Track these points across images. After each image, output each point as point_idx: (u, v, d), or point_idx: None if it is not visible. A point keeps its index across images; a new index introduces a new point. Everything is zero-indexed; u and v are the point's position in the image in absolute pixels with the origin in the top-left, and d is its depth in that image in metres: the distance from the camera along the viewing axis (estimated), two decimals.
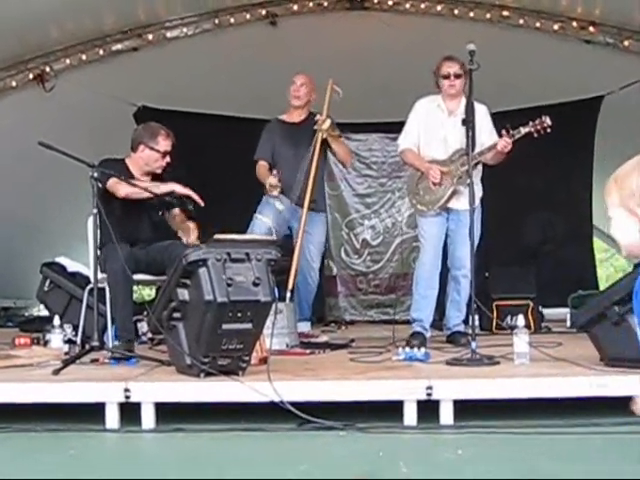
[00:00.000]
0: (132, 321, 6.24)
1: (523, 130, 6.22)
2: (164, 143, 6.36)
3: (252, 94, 8.89)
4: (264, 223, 6.94)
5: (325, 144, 7.11)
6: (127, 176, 6.25)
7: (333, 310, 10.09)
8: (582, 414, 4.50)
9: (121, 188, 6.09)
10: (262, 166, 7.17)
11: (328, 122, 6.96)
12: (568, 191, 9.98)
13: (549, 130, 6.17)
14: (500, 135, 6.34)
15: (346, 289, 10.13)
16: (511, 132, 6.22)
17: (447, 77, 6.53)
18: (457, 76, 6.51)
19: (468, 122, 5.82)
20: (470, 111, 5.82)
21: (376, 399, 4.59)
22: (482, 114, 6.37)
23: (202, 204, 6.19)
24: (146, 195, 6.14)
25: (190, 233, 6.27)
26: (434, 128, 6.62)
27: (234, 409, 4.60)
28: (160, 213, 6.41)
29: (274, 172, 7.01)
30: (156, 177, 6.46)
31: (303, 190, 6.92)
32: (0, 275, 9.53)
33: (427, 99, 6.72)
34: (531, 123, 6.21)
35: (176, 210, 6.41)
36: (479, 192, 6.40)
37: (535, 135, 6.20)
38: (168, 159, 6.39)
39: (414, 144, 6.69)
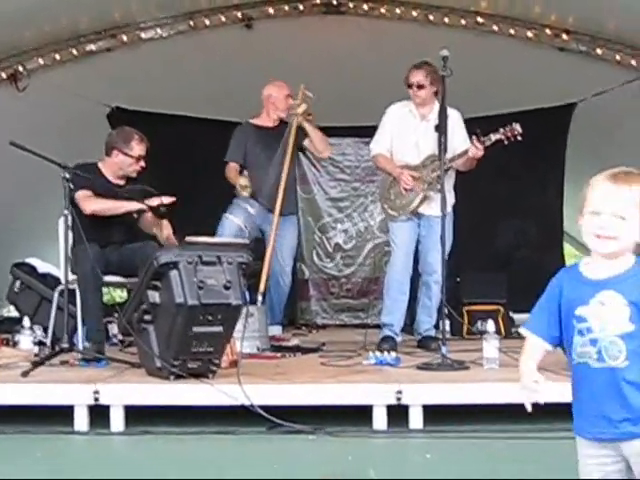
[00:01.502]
0: (102, 322, 6.22)
1: (493, 137, 6.23)
2: (138, 148, 6.36)
3: (226, 96, 8.86)
4: (234, 223, 6.92)
5: (300, 133, 7.09)
6: (100, 181, 6.25)
7: (305, 313, 10.06)
8: (551, 419, 4.52)
9: (88, 205, 6.09)
10: (232, 168, 7.15)
11: (304, 106, 6.93)
12: (539, 197, 10.01)
13: (519, 137, 6.19)
14: (472, 141, 6.37)
15: (318, 293, 10.11)
16: (482, 139, 6.24)
17: (411, 87, 6.57)
18: (420, 86, 6.52)
19: (441, 128, 5.84)
20: (443, 117, 5.84)
21: (346, 403, 4.61)
22: (455, 120, 6.39)
23: (172, 199, 6.20)
24: (113, 213, 6.16)
25: (164, 228, 6.27)
26: (406, 133, 6.64)
27: (204, 412, 4.60)
28: (136, 215, 6.39)
29: (244, 173, 7.01)
30: (130, 179, 6.46)
31: (275, 191, 6.89)
32: None
33: (399, 104, 6.73)
34: (501, 130, 6.23)
35: (148, 213, 6.39)
36: (451, 199, 6.42)
37: (505, 142, 6.23)
38: (143, 163, 6.40)
39: (386, 149, 6.71)
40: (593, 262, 2.70)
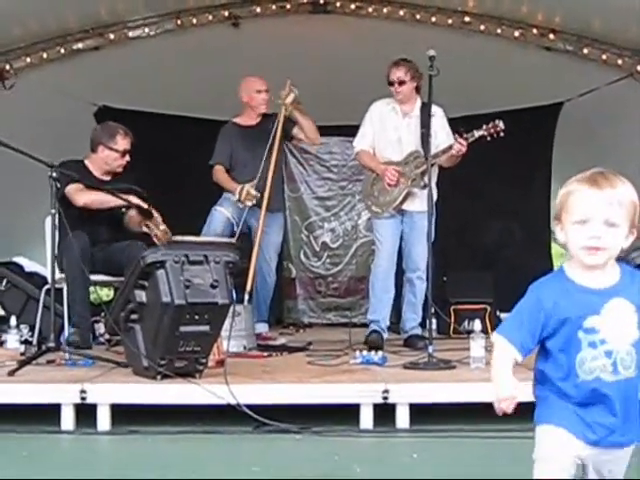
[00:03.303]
0: (89, 310, 6.22)
1: (477, 133, 6.26)
2: (122, 142, 6.38)
3: (213, 95, 8.84)
4: (222, 214, 6.92)
5: (288, 123, 7.07)
6: (87, 177, 6.25)
7: (291, 312, 10.06)
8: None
9: (80, 197, 6.10)
10: (219, 170, 7.12)
11: (292, 95, 6.90)
12: (527, 196, 10.03)
13: (502, 134, 6.22)
14: (455, 138, 6.39)
15: (305, 292, 10.11)
16: (465, 135, 6.27)
17: (392, 84, 6.59)
18: (401, 83, 6.55)
19: (425, 126, 5.86)
20: (427, 116, 5.86)
21: (333, 402, 4.61)
22: (438, 117, 6.41)
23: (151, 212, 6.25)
24: (104, 206, 6.17)
25: (158, 223, 6.28)
26: (388, 130, 6.66)
27: (190, 411, 4.61)
28: (123, 211, 6.39)
29: (252, 183, 6.91)
30: (116, 175, 6.46)
31: (261, 190, 6.88)
32: None
33: (382, 101, 6.75)
34: (484, 127, 6.26)
35: (132, 211, 6.39)
36: (434, 195, 6.43)
37: (488, 139, 6.25)
38: (128, 158, 6.41)
39: (369, 146, 6.73)
40: (583, 270, 2.61)
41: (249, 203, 6.86)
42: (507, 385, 2.71)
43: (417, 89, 6.56)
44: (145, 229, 6.37)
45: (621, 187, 2.52)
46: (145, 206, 6.27)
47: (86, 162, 6.41)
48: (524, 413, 4.56)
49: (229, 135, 7.26)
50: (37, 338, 6.41)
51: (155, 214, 6.35)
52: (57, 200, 5.58)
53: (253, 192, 6.82)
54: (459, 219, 9.11)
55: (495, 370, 2.72)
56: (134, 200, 6.25)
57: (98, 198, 6.19)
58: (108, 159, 6.38)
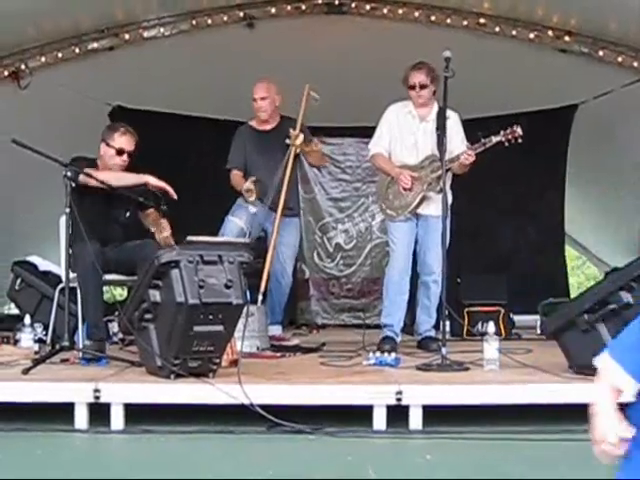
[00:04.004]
0: (103, 320, 6.21)
1: (494, 139, 6.24)
2: (119, 140, 6.23)
3: (228, 96, 8.86)
4: (236, 224, 6.92)
5: (299, 155, 7.11)
6: None
7: (305, 313, 10.08)
8: (550, 420, 4.54)
9: (98, 173, 6.03)
10: (236, 175, 7.11)
11: (301, 137, 6.90)
12: (541, 198, 10.02)
13: (520, 140, 6.20)
14: (471, 143, 6.37)
15: (318, 293, 10.12)
16: (482, 140, 6.24)
17: (413, 88, 6.55)
18: (423, 86, 6.52)
19: (441, 129, 5.85)
20: (443, 120, 5.84)
21: (346, 403, 4.61)
22: (453, 122, 6.39)
23: (175, 197, 6.17)
24: (122, 182, 6.10)
25: (163, 229, 6.25)
26: (405, 133, 6.64)
27: (204, 411, 4.60)
28: (128, 214, 6.37)
29: (251, 178, 6.96)
30: None
31: (277, 196, 6.89)
32: None
33: (399, 104, 6.73)
34: (502, 132, 6.23)
35: (150, 209, 6.37)
36: (449, 198, 6.42)
37: (506, 144, 6.23)
38: (125, 157, 6.27)
39: (385, 149, 6.70)
40: None
41: (251, 198, 6.87)
42: (612, 429, 2.26)
43: (434, 93, 6.53)
44: (152, 229, 6.35)
45: None
46: (162, 185, 6.17)
47: (98, 162, 6.41)
48: (537, 415, 4.57)
49: (243, 139, 7.25)
50: (51, 337, 6.42)
51: (162, 220, 6.31)
52: (71, 199, 5.58)
53: (250, 186, 6.85)
54: (473, 221, 9.10)
55: (598, 405, 2.31)
56: (152, 181, 6.16)
57: (115, 175, 6.13)
58: (105, 156, 6.28)
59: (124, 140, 6.27)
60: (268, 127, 7.24)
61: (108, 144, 6.24)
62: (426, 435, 4.43)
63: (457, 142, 6.43)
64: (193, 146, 9.53)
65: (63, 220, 5.79)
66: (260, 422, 4.41)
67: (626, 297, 4.77)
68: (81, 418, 4.56)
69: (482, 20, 8.86)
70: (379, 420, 4.53)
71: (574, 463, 3.91)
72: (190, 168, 9.34)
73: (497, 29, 8.88)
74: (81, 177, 5.86)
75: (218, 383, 4.64)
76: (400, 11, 8.93)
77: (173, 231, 6.23)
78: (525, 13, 8.75)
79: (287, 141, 6.90)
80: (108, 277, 6.10)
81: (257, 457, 4.08)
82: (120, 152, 6.25)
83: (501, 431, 4.37)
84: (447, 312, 5.64)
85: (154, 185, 6.18)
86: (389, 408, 4.54)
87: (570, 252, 12.43)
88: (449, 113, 6.03)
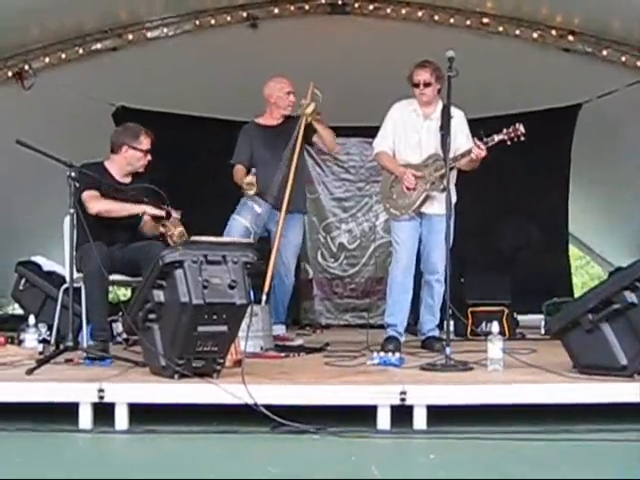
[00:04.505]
0: (107, 321, 6.22)
1: (497, 138, 6.23)
2: (146, 142, 6.44)
3: (231, 96, 8.88)
4: (241, 224, 6.92)
5: (309, 130, 7.09)
6: (106, 179, 6.26)
7: (308, 313, 10.09)
8: (554, 420, 4.53)
9: (94, 205, 6.12)
10: (239, 170, 7.13)
11: (313, 105, 6.91)
12: (545, 198, 10.02)
13: (522, 138, 6.18)
14: (475, 143, 6.36)
15: (322, 292, 10.13)
16: (485, 139, 6.23)
17: (417, 85, 6.56)
18: (427, 84, 6.52)
19: (445, 128, 5.84)
20: (447, 118, 5.84)
21: (350, 403, 4.60)
22: (459, 119, 6.39)
23: (177, 216, 6.27)
24: (116, 215, 6.19)
25: (174, 225, 6.30)
26: (409, 132, 6.63)
27: (208, 411, 4.60)
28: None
29: (252, 171, 6.99)
30: (135, 176, 6.48)
31: (282, 191, 6.90)
32: None
33: (403, 102, 6.73)
34: (505, 131, 6.22)
35: (145, 217, 6.42)
36: (453, 197, 6.40)
37: (508, 143, 6.22)
38: (149, 157, 6.44)
39: (389, 147, 6.70)
40: None
41: (251, 192, 6.88)
42: None
43: (439, 92, 6.53)
44: (162, 229, 6.38)
45: None
46: (160, 213, 6.29)
47: (106, 164, 6.43)
48: (541, 415, 4.57)
49: (250, 135, 7.27)
50: (55, 337, 6.43)
51: (174, 214, 6.37)
52: (75, 200, 5.60)
53: (250, 180, 6.87)
54: (477, 221, 9.10)
55: None
56: (149, 210, 6.28)
57: (111, 207, 6.20)
58: (132, 159, 6.41)
59: (149, 141, 6.49)
60: (274, 123, 7.27)
61: (135, 148, 6.39)
62: (430, 435, 4.43)
63: (462, 140, 6.42)
64: (197, 146, 9.54)
65: (67, 220, 5.80)
66: (264, 422, 4.41)
67: (630, 297, 4.76)
68: (85, 418, 4.56)
69: (485, 20, 8.87)
70: (383, 420, 4.53)
71: (578, 463, 3.91)
72: (194, 168, 9.35)
73: (500, 29, 8.89)
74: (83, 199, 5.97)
75: (222, 383, 4.64)
76: (403, 11, 8.94)
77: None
78: (529, 13, 8.75)
79: (298, 110, 6.93)
80: (113, 277, 6.11)
81: (261, 457, 4.08)
82: (147, 153, 6.44)
83: (505, 431, 4.36)
84: (451, 312, 5.63)
85: (150, 214, 6.31)
86: (393, 408, 4.53)
87: (574, 252, 12.41)
88: (454, 111, 6.01)
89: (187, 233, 6.21)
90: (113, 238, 6.19)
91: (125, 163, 6.42)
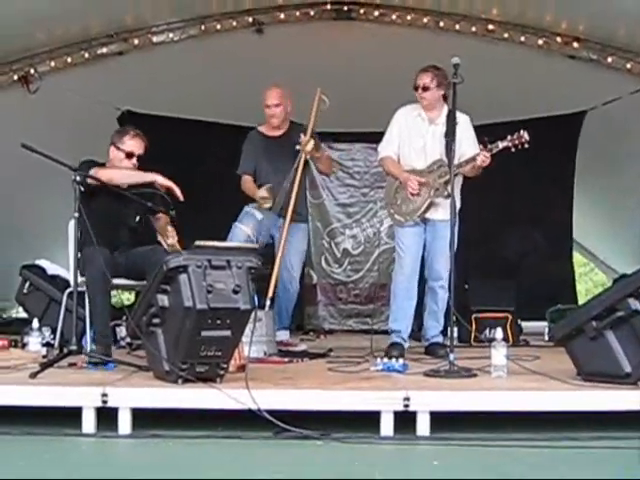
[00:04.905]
0: (110, 325, 6.21)
1: (501, 144, 6.23)
2: (129, 143, 6.25)
3: (237, 101, 8.88)
4: (243, 232, 6.91)
5: (307, 164, 7.11)
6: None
7: (312, 319, 10.09)
8: (558, 428, 4.52)
9: (103, 173, 6.02)
10: (248, 180, 7.12)
11: (311, 144, 6.90)
12: (549, 205, 10.01)
13: (527, 145, 6.18)
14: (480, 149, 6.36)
15: (326, 298, 10.13)
16: (489, 146, 6.24)
17: (417, 89, 6.57)
18: (425, 89, 6.53)
19: (449, 134, 5.83)
20: (452, 125, 5.83)
21: (353, 409, 4.60)
22: (464, 124, 6.37)
23: (181, 198, 6.17)
24: (128, 180, 6.11)
25: (169, 235, 6.24)
26: (414, 136, 6.64)
27: (211, 416, 4.60)
28: (137, 218, 6.37)
29: (266, 186, 6.95)
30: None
31: (285, 202, 6.89)
32: None
33: (408, 107, 6.73)
34: (509, 137, 6.22)
35: (162, 216, 6.37)
36: (457, 204, 6.39)
37: (512, 150, 6.21)
38: (134, 161, 6.28)
39: (394, 152, 6.70)
40: None
41: (267, 205, 6.88)
42: None
43: (444, 97, 6.52)
44: (158, 237, 6.35)
45: None
46: (169, 184, 6.18)
47: (107, 166, 6.40)
48: (544, 422, 4.56)
49: (254, 145, 7.26)
50: (59, 341, 6.42)
51: (169, 227, 6.30)
52: (80, 203, 5.59)
53: (265, 194, 6.85)
54: (481, 227, 9.10)
55: None
56: (160, 179, 6.17)
57: (122, 172, 6.13)
58: (115, 160, 6.29)
59: (134, 143, 6.29)
60: (278, 133, 7.25)
61: (118, 147, 6.25)
62: (433, 441, 4.43)
63: (467, 145, 6.41)
64: (202, 151, 9.54)
65: (72, 224, 5.80)
66: (267, 427, 4.42)
67: (634, 304, 4.76)
68: (88, 422, 4.56)
69: (491, 26, 8.87)
70: (386, 426, 4.52)
71: (581, 471, 3.91)
72: (198, 173, 9.35)
73: (506, 35, 8.89)
74: (88, 180, 5.87)
75: (225, 388, 4.64)
76: (409, 17, 8.95)
77: (181, 236, 6.22)
78: (534, 19, 8.76)
79: (297, 147, 6.90)
80: (116, 282, 6.10)
81: (264, 462, 4.08)
82: (130, 155, 6.26)
83: (508, 438, 4.36)
84: (455, 318, 5.63)
85: (161, 184, 6.19)
86: (396, 414, 4.53)
87: (578, 258, 12.39)
88: (459, 116, 6.00)
89: (192, 238, 6.18)
90: (116, 242, 6.17)
91: (112, 165, 6.31)
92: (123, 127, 6.55)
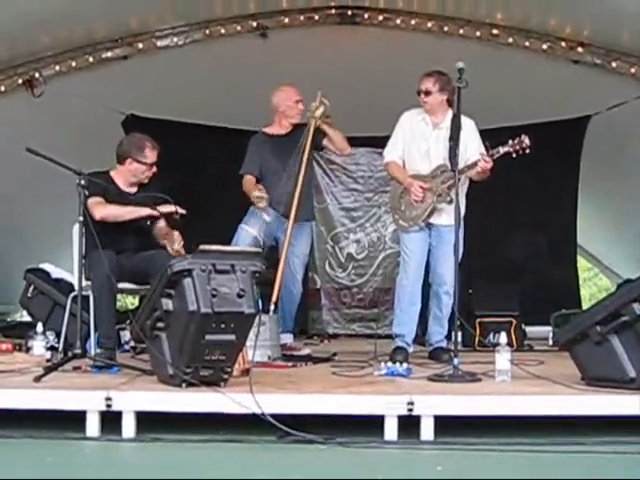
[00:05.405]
0: (115, 329, 6.22)
1: (502, 150, 6.21)
2: (151, 155, 6.37)
3: (241, 105, 8.89)
4: (249, 233, 6.92)
5: (318, 134, 7.08)
6: (112, 188, 6.25)
7: (316, 323, 10.08)
8: (561, 432, 4.52)
9: (98, 211, 6.08)
10: (248, 180, 7.12)
11: (322, 108, 6.90)
12: (553, 210, 10.01)
13: (527, 150, 6.16)
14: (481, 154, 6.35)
15: (330, 302, 10.12)
16: (490, 151, 6.23)
17: (419, 93, 6.57)
18: (427, 93, 6.53)
19: (453, 139, 5.83)
20: (456, 130, 5.82)
21: (357, 413, 4.60)
22: (469, 129, 6.37)
23: (184, 212, 6.22)
24: (119, 219, 6.17)
25: (174, 241, 6.25)
26: (418, 140, 6.63)
27: (215, 420, 4.60)
28: (150, 222, 6.39)
29: (259, 186, 6.97)
30: (141, 186, 6.46)
31: (290, 198, 6.88)
32: None
33: (412, 111, 6.73)
34: (510, 142, 6.19)
35: (161, 222, 6.40)
36: (462, 209, 6.38)
37: (514, 155, 6.19)
38: (155, 169, 6.41)
39: (399, 156, 6.70)
40: None
41: (261, 204, 6.87)
42: None
43: (448, 102, 6.52)
44: (163, 242, 6.35)
45: None
46: (168, 210, 6.24)
47: (112, 173, 6.41)
48: (548, 427, 4.56)
49: (259, 145, 7.26)
50: (63, 345, 6.42)
51: (174, 232, 6.32)
52: (84, 207, 5.60)
53: (259, 194, 6.85)
54: (485, 232, 9.08)
55: None
56: (162, 209, 6.25)
57: (116, 212, 6.18)
58: (136, 172, 6.37)
59: (155, 154, 6.43)
60: (283, 132, 7.26)
61: (139, 161, 6.33)
62: (437, 446, 4.42)
63: (473, 150, 6.40)
64: (206, 155, 9.55)
65: (76, 228, 5.81)
66: (271, 432, 4.41)
67: (639, 309, 4.75)
68: (92, 426, 4.56)
69: (495, 31, 8.87)
70: (390, 430, 4.52)
71: (586, 476, 3.90)
72: (203, 177, 9.35)
73: (510, 40, 8.89)
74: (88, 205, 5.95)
75: (229, 392, 4.64)
76: (413, 22, 8.95)
77: (185, 240, 6.23)
78: (538, 24, 8.76)
79: (307, 114, 6.92)
80: (121, 286, 6.11)
81: (268, 467, 4.08)
82: (152, 165, 6.39)
83: (512, 443, 4.35)
84: (459, 323, 5.63)
85: (163, 212, 6.27)
86: (400, 418, 4.53)
87: (582, 263, 12.38)
88: (464, 121, 5.99)
89: (197, 242, 6.18)
90: (121, 246, 6.18)
91: (130, 175, 6.38)
92: (135, 137, 6.53)
